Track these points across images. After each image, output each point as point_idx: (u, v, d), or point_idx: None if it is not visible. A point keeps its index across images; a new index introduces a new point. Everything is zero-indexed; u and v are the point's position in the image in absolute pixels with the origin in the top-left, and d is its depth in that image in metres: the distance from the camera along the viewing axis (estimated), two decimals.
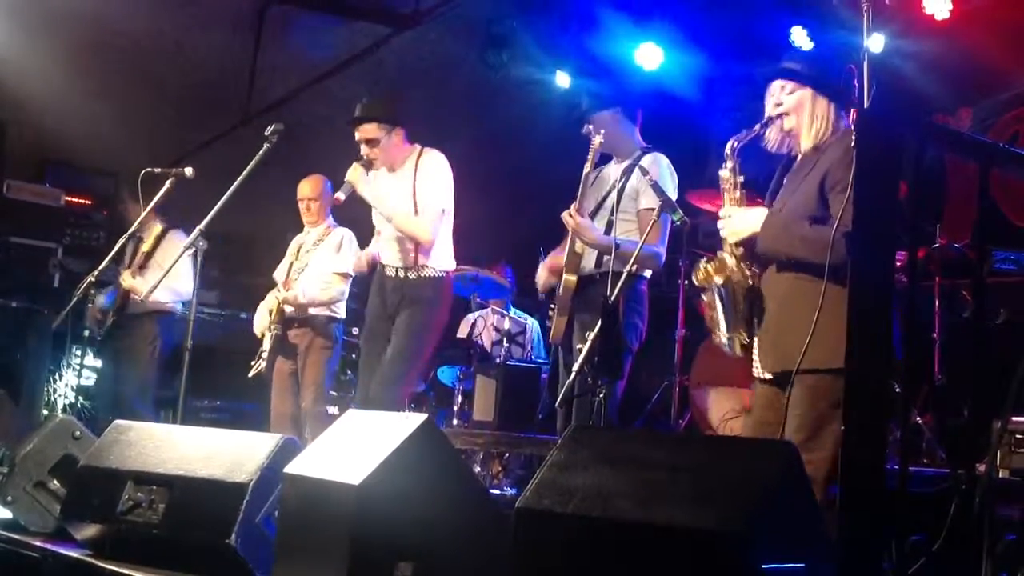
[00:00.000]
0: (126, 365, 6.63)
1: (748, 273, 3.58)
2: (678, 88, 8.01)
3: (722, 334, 3.61)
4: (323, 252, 6.01)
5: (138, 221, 5.24)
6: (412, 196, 5.24)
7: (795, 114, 3.62)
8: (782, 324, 3.50)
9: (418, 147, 5.36)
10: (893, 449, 2.96)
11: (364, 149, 5.25)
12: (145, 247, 6.51)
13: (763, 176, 3.77)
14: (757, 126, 3.64)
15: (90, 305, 7.00)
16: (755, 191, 3.77)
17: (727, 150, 3.62)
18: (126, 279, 6.37)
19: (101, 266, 5.27)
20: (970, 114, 6.62)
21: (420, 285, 5.22)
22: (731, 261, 3.59)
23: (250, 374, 5.99)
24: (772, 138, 3.69)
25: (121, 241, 5.42)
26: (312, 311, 5.94)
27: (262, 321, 6.04)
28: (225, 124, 8.80)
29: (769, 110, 3.67)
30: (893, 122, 2.90)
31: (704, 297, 3.67)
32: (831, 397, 3.31)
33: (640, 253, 4.34)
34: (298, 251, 6.10)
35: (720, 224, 3.63)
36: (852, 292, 2.79)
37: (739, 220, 3.57)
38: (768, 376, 3.56)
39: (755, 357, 3.61)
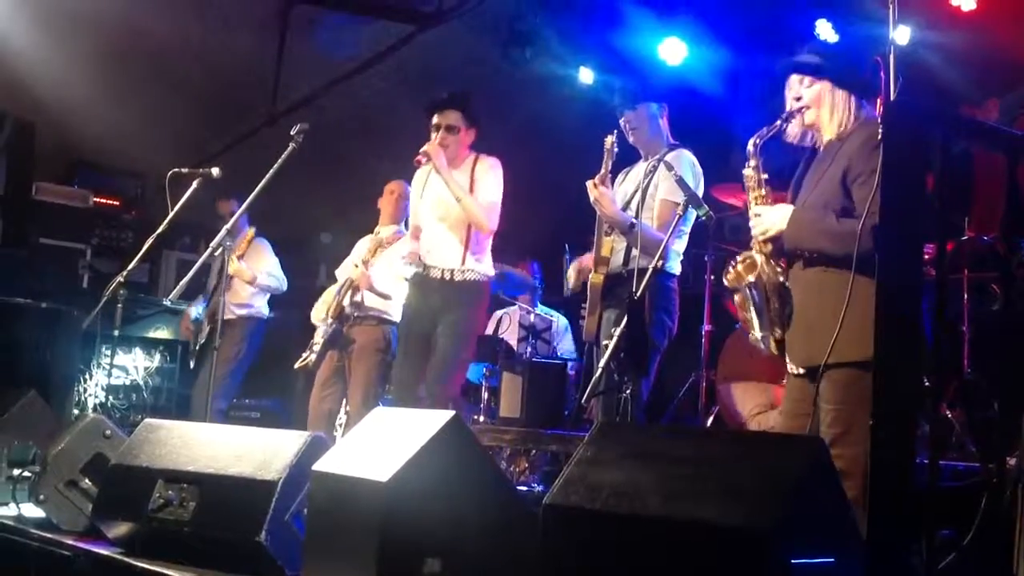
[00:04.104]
0: (208, 366, 6.83)
1: (779, 270, 3.58)
2: (702, 83, 7.98)
3: (757, 333, 3.61)
4: (391, 255, 6.12)
5: (166, 221, 5.27)
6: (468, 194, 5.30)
7: (815, 107, 3.61)
8: (810, 319, 3.49)
9: (474, 153, 5.44)
10: (922, 443, 2.94)
11: (440, 134, 5.29)
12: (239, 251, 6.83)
13: (788, 169, 3.75)
14: (778, 122, 3.65)
15: (185, 312, 7.26)
16: (779, 185, 3.76)
17: (749, 148, 3.63)
18: (233, 263, 6.54)
19: (130, 266, 5.31)
20: (997, 105, 6.55)
21: (464, 288, 5.27)
22: (760, 259, 3.59)
23: (296, 365, 6.13)
24: (793, 132, 3.69)
25: (149, 242, 5.44)
26: (369, 309, 6.04)
27: (320, 313, 6.19)
28: (251, 124, 8.85)
29: (789, 104, 3.67)
30: (920, 115, 2.88)
31: (736, 298, 3.66)
32: (862, 391, 3.30)
33: (653, 239, 4.37)
34: (375, 250, 6.19)
35: (751, 224, 3.63)
36: (880, 286, 2.77)
37: (767, 218, 3.56)
38: (801, 371, 3.55)
39: (787, 357, 3.60)
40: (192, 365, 7.32)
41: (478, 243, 5.31)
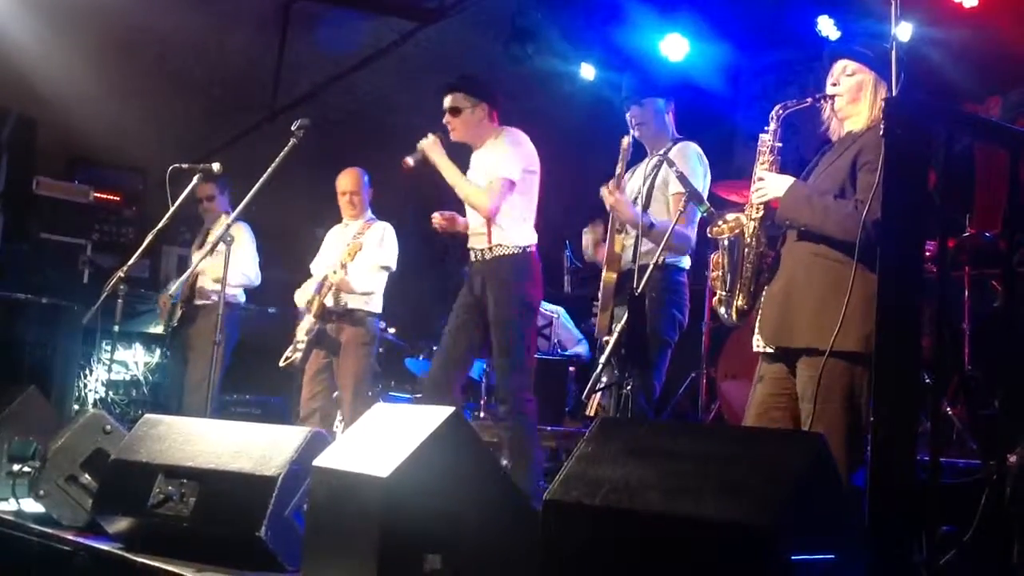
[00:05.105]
0: (190, 356, 6.75)
1: (762, 240, 3.58)
2: (704, 79, 7.98)
3: (721, 293, 3.62)
4: (367, 244, 6.08)
5: (167, 217, 5.27)
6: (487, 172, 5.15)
7: (849, 96, 3.61)
8: (791, 295, 3.49)
9: (501, 128, 5.26)
10: (923, 440, 2.94)
11: (446, 117, 5.22)
12: (212, 237, 6.67)
13: (792, 165, 3.75)
14: (809, 99, 3.65)
15: (161, 294, 7.18)
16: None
17: (772, 114, 3.63)
18: (196, 257, 6.48)
19: (131, 261, 5.31)
20: (999, 102, 6.54)
21: (496, 265, 5.05)
22: (749, 226, 3.59)
23: (281, 363, 6.08)
24: (825, 116, 3.70)
25: (149, 237, 5.44)
26: (350, 305, 6.01)
27: (304, 296, 6.11)
28: (252, 120, 8.85)
29: (829, 88, 3.66)
30: (922, 112, 2.88)
31: (714, 256, 3.67)
32: (844, 389, 3.32)
33: (671, 235, 4.35)
34: (354, 253, 6.10)
35: (752, 188, 3.62)
36: (881, 283, 2.77)
37: (769, 183, 3.57)
38: (770, 350, 3.55)
39: (756, 328, 3.59)
40: (165, 349, 7.26)
41: (503, 216, 5.06)
